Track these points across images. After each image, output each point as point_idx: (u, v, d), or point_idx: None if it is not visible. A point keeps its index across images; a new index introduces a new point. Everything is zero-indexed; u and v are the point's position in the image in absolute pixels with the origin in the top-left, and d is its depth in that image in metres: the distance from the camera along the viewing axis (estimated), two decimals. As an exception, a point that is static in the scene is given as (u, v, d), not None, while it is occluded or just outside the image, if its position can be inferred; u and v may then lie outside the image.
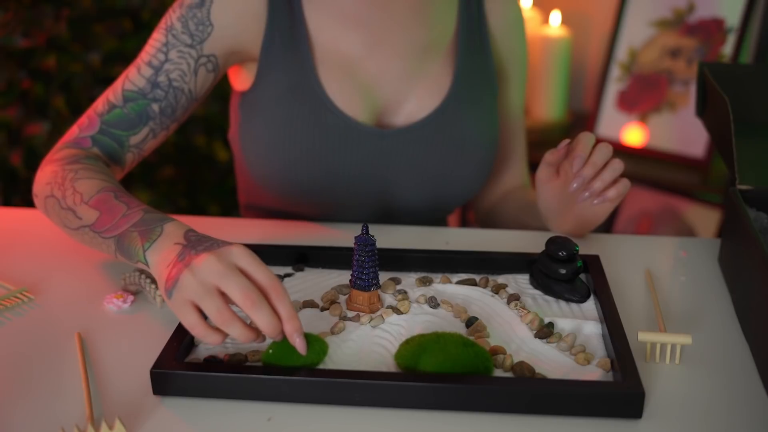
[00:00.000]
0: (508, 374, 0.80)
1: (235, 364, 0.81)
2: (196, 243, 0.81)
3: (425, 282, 0.96)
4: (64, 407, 0.78)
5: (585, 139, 0.98)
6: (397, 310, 0.89)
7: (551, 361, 0.82)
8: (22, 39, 1.82)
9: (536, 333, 0.86)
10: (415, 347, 0.80)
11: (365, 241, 0.89)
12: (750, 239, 0.88)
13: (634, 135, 2.09)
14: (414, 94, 1.15)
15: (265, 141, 1.12)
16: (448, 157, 1.16)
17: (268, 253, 1.00)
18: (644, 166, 2.03)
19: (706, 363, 0.84)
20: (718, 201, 1.99)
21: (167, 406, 0.78)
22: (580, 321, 0.88)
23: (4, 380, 0.82)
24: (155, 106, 1.07)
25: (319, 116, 1.10)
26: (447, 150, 1.15)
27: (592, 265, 0.97)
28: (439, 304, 0.91)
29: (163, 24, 1.08)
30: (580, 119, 2.24)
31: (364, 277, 0.89)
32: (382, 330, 0.87)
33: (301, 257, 1.01)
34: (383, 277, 0.96)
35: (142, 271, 0.96)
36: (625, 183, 0.99)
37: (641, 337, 0.83)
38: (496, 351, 0.82)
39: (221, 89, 1.23)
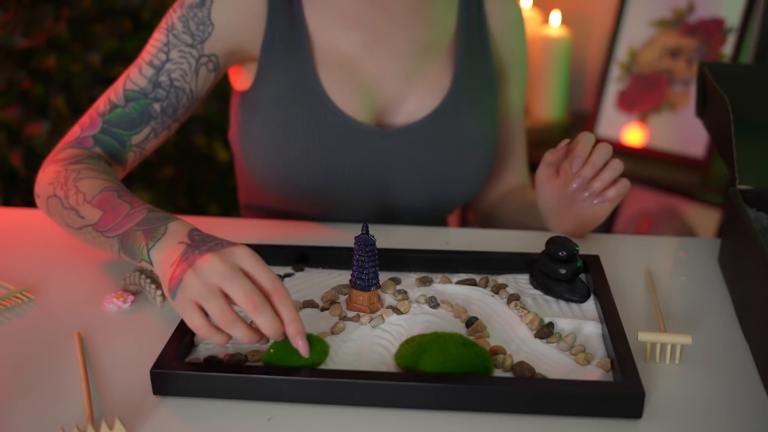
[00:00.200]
0: (508, 374, 0.80)
1: (235, 364, 0.81)
2: (200, 243, 0.82)
3: (425, 282, 0.96)
4: (64, 407, 0.78)
5: (585, 139, 0.98)
6: (397, 310, 0.89)
7: (551, 361, 0.82)
8: (22, 39, 1.82)
9: (536, 333, 0.86)
10: (415, 347, 0.80)
11: (365, 241, 0.89)
12: (750, 239, 0.88)
13: (634, 135, 2.09)
14: (414, 94, 1.15)
15: (265, 141, 1.12)
16: (448, 157, 1.16)
17: (268, 253, 1.00)
18: (644, 166, 2.03)
19: (706, 363, 0.84)
20: (718, 201, 1.99)
21: (167, 406, 0.78)
22: (580, 321, 0.88)
23: (4, 380, 0.82)
24: (157, 106, 1.07)
25: (319, 116, 1.10)
26: (447, 150, 1.15)
27: (592, 265, 0.97)
28: (439, 304, 0.91)
29: (164, 24, 1.08)
30: (580, 119, 2.24)
31: (364, 277, 0.89)
32: (382, 330, 0.87)
33: (301, 257, 1.01)
34: (383, 277, 0.96)
35: (142, 271, 0.96)
36: (624, 183, 0.99)
37: (641, 337, 0.83)
38: (496, 351, 0.82)
39: (221, 89, 1.23)
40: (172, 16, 1.08)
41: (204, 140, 2.10)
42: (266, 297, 0.77)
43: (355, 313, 0.90)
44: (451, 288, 0.95)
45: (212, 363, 0.81)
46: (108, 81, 1.23)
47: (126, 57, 1.88)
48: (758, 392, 0.80)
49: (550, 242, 0.93)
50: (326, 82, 1.11)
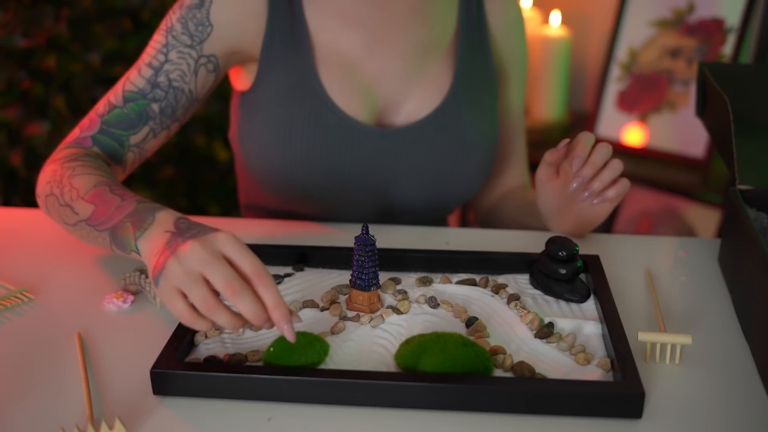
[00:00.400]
0: (508, 374, 0.80)
1: (235, 364, 0.81)
2: (184, 230, 0.82)
3: (425, 282, 0.96)
4: (64, 407, 0.78)
5: (585, 139, 0.98)
6: (397, 310, 0.89)
7: (551, 361, 0.82)
8: (22, 39, 1.82)
9: (536, 333, 0.86)
10: (415, 347, 0.80)
11: (365, 241, 0.89)
12: (750, 239, 0.88)
13: (634, 135, 2.09)
14: (414, 94, 1.15)
15: (265, 141, 1.12)
16: (448, 157, 1.16)
17: (268, 253, 1.00)
18: (644, 166, 2.03)
19: (706, 363, 0.84)
20: (718, 201, 1.99)
21: (167, 406, 0.78)
22: (580, 321, 0.88)
23: (4, 380, 0.82)
24: (155, 106, 1.07)
25: (319, 116, 1.10)
26: (447, 150, 1.15)
27: (592, 265, 0.97)
28: (439, 304, 0.91)
29: (163, 25, 1.08)
30: (580, 119, 2.24)
31: (364, 277, 0.89)
32: (382, 330, 0.87)
33: (301, 257, 1.01)
34: (383, 277, 0.96)
35: (142, 271, 0.96)
36: (624, 183, 0.99)
37: (641, 337, 0.83)
38: (496, 351, 0.82)
39: (221, 89, 1.23)
40: (172, 18, 1.08)
41: (204, 140, 2.10)
42: (248, 282, 0.77)
43: (355, 313, 0.90)
44: (451, 288, 0.95)
45: (212, 363, 0.81)
46: (108, 81, 1.23)
47: (126, 57, 1.88)
48: (758, 392, 0.80)
49: (550, 242, 0.93)
50: (326, 82, 1.11)
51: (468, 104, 1.16)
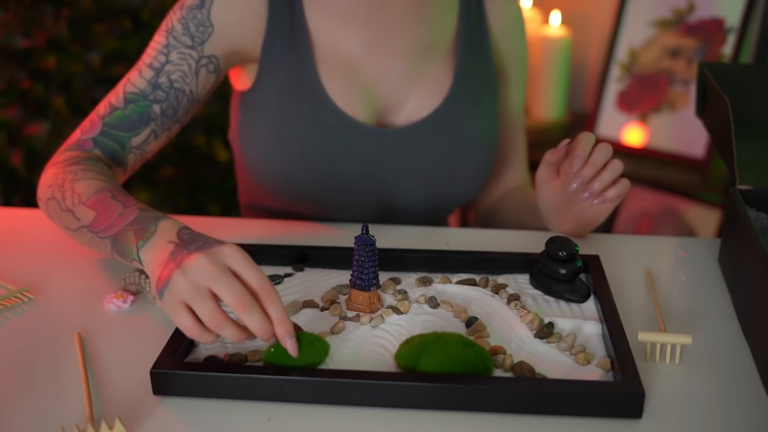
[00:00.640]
0: (508, 374, 0.80)
1: (235, 364, 0.81)
2: (188, 242, 0.81)
3: (425, 282, 0.96)
4: (64, 407, 0.78)
5: (585, 139, 0.98)
6: (397, 310, 0.89)
7: (551, 361, 0.82)
8: (22, 39, 1.82)
9: (536, 333, 0.86)
10: (415, 347, 0.80)
11: (365, 241, 0.89)
12: (750, 239, 0.88)
13: (634, 135, 2.09)
14: (414, 94, 1.15)
15: (265, 141, 1.12)
16: (449, 157, 1.16)
17: (268, 253, 1.00)
18: (644, 166, 2.03)
19: (706, 363, 0.84)
20: (718, 201, 1.99)
21: (167, 406, 0.78)
22: (580, 321, 0.88)
23: (4, 380, 0.82)
24: (156, 108, 1.07)
25: (319, 116, 1.10)
26: (447, 150, 1.15)
27: (592, 265, 0.97)
28: (439, 304, 0.91)
29: (164, 26, 1.08)
30: (580, 119, 2.24)
31: (364, 277, 0.89)
32: (382, 330, 0.87)
33: (301, 257, 1.01)
34: (383, 277, 0.96)
35: (142, 272, 0.96)
36: (624, 183, 0.99)
37: (641, 337, 0.83)
38: (496, 351, 0.82)
39: (221, 89, 1.23)
40: (172, 18, 1.08)
41: (204, 140, 2.10)
42: (254, 297, 0.77)
43: (355, 313, 0.90)
44: (451, 288, 0.95)
45: (212, 363, 0.81)
46: (108, 81, 1.23)
47: (126, 57, 1.88)
48: (758, 392, 0.80)
49: (550, 242, 0.93)
50: (327, 82, 1.11)
51: (468, 104, 1.16)
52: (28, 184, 1.86)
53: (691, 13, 2.02)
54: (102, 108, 1.07)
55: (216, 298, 0.77)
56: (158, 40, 1.08)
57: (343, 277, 0.97)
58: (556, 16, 2.14)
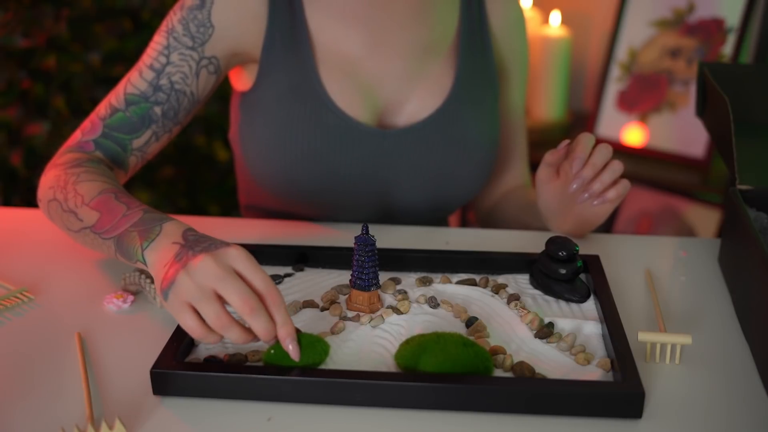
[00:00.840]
0: (508, 374, 0.80)
1: (235, 364, 0.81)
2: (194, 243, 0.81)
3: (425, 282, 0.96)
4: (64, 407, 0.78)
5: (585, 140, 0.98)
6: (397, 310, 0.89)
7: (551, 361, 0.82)
8: (22, 39, 1.82)
9: (536, 333, 0.86)
10: (415, 347, 0.80)
11: (365, 241, 0.89)
12: (750, 239, 0.88)
13: (634, 135, 2.09)
14: (415, 95, 1.15)
15: (265, 141, 1.12)
16: (449, 158, 1.16)
17: (268, 253, 1.00)
18: (644, 166, 2.03)
19: (706, 363, 0.84)
20: (718, 201, 1.99)
21: (167, 406, 0.78)
22: (580, 321, 0.88)
23: (4, 380, 0.82)
24: (157, 109, 1.07)
25: (320, 116, 1.10)
26: (448, 150, 1.15)
27: (592, 265, 0.97)
28: (439, 304, 0.91)
29: (164, 27, 1.08)
30: (580, 119, 2.24)
31: (364, 277, 0.89)
32: (382, 330, 0.87)
33: (301, 257, 1.01)
34: (383, 277, 0.96)
35: (142, 271, 0.96)
36: (624, 184, 0.99)
37: (641, 337, 0.83)
38: (496, 351, 0.82)
39: (221, 89, 1.23)
40: (172, 19, 1.08)
41: (204, 140, 2.10)
42: (260, 299, 0.77)
43: (355, 313, 0.90)
44: (451, 288, 0.95)
45: (212, 363, 0.81)
46: (108, 81, 1.23)
47: (126, 57, 1.88)
48: (758, 392, 0.80)
49: (550, 242, 0.93)
50: (327, 82, 1.11)
51: (469, 105, 1.16)
52: (28, 184, 1.86)
53: (691, 13, 2.02)
54: (102, 109, 1.07)
55: (221, 300, 0.77)
56: (158, 40, 1.08)
57: (343, 277, 0.97)
58: (556, 16, 2.14)
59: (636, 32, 2.08)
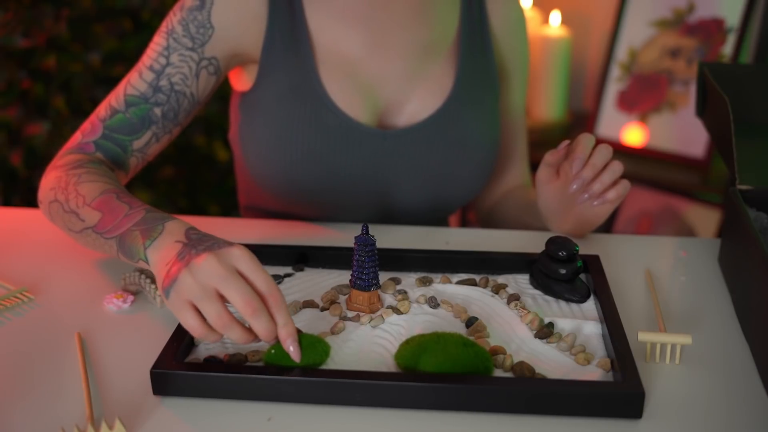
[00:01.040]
0: (508, 374, 0.80)
1: (235, 364, 0.81)
2: (196, 242, 0.81)
3: (425, 282, 0.96)
4: (64, 407, 0.78)
5: (585, 140, 0.98)
6: (397, 310, 0.89)
7: (551, 361, 0.82)
8: (22, 39, 1.82)
9: (536, 333, 0.86)
10: (415, 347, 0.80)
11: (365, 241, 0.89)
12: (750, 239, 0.88)
13: (634, 135, 2.09)
14: (415, 95, 1.15)
15: (265, 142, 1.12)
16: (450, 158, 1.16)
17: (268, 253, 1.00)
18: (644, 166, 2.03)
19: (706, 363, 0.84)
20: (718, 201, 1.99)
21: (167, 406, 0.78)
22: (580, 321, 0.88)
23: (4, 380, 0.82)
24: (157, 111, 1.07)
25: (320, 117, 1.10)
26: (448, 150, 1.15)
27: (592, 265, 0.97)
28: (439, 304, 0.91)
29: (164, 27, 1.08)
30: (580, 119, 2.24)
31: (364, 277, 0.89)
32: (382, 330, 0.87)
33: (301, 257, 1.01)
34: (383, 277, 0.96)
35: (142, 271, 0.96)
36: (624, 185, 0.99)
37: (641, 337, 0.83)
38: (496, 351, 0.82)
39: (221, 89, 1.23)
40: (172, 20, 1.08)
41: (204, 140, 2.10)
42: (261, 300, 0.77)
43: (355, 313, 0.90)
44: (451, 288, 0.95)
45: (212, 363, 0.81)
46: (108, 81, 1.23)
47: (126, 57, 1.88)
48: (758, 392, 0.80)
49: (550, 242, 0.93)
50: (327, 82, 1.11)
51: (470, 105, 1.16)
52: (28, 184, 1.86)
53: (691, 13, 2.02)
54: (103, 110, 1.07)
55: (222, 299, 0.77)
56: (158, 41, 1.08)
57: (343, 277, 0.97)
58: (556, 16, 2.14)
59: (636, 32, 2.08)
